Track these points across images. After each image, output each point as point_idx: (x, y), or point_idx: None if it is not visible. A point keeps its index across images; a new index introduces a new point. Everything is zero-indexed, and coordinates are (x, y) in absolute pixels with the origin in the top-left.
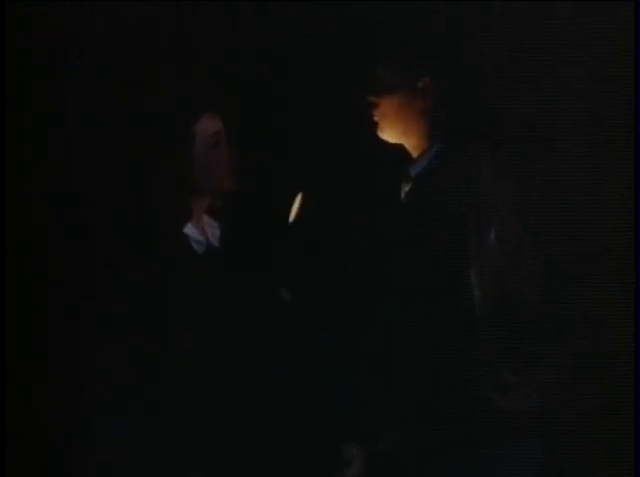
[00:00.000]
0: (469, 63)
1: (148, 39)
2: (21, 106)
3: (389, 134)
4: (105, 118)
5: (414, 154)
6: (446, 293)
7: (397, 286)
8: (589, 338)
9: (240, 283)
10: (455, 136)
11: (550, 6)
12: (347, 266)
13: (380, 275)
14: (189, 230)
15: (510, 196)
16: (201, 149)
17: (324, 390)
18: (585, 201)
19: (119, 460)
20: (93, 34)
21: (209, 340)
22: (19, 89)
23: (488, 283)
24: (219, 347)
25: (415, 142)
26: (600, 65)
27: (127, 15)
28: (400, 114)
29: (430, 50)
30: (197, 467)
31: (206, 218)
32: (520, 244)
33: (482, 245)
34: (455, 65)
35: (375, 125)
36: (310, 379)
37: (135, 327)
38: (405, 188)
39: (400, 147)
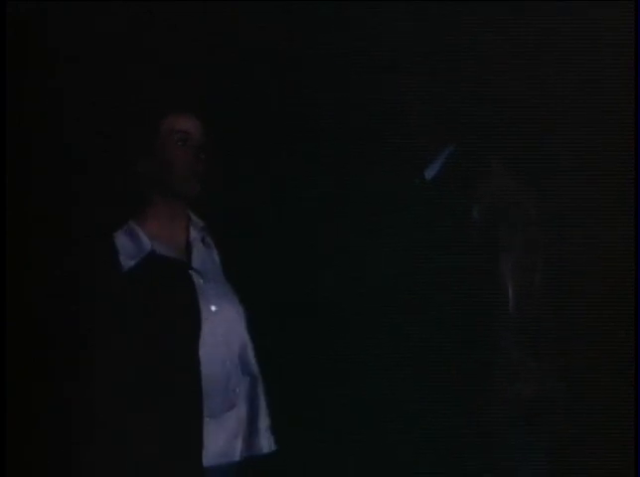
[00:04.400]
0: (473, 61)
1: (148, 39)
2: (21, 106)
3: None
4: (102, 117)
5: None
6: (467, 287)
7: (415, 281)
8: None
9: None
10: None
11: (550, 6)
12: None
13: (396, 271)
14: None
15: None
16: (163, 144)
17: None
18: (584, 198)
19: (119, 460)
20: (93, 34)
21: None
22: (19, 89)
23: (509, 278)
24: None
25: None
26: (600, 64)
27: (129, 15)
28: None
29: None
30: (198, 468)
31: (194, 217)
32: (535, 243)
33: (502, 242)
34: (460, 64)
35: None
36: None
37: (134, 328)
38: (419, 190)
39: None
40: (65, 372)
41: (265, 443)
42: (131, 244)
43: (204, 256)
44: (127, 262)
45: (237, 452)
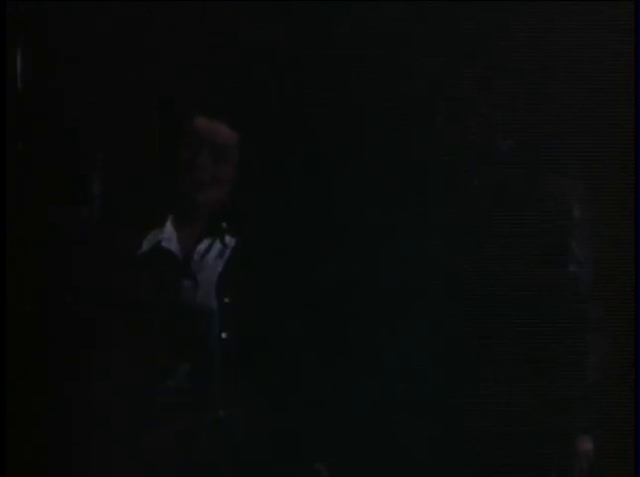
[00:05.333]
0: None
1: (149, 39)
2: (21, 107)
3: None
4: (106, 118)
5: None
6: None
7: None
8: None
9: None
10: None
11: (549, 6)
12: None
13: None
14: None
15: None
16: (179, 148)
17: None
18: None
19: (119, 461)
20: (93, 34)
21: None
22: (19, 90)
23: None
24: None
25: None
26: (600, 65)
27: (129, 15)
28: None
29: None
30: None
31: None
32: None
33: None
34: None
35: None
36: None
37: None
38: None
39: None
40: (65, 372)
41: None
42: (154, 234)
43: (210, 255)
44: (139, 249)
45: None
